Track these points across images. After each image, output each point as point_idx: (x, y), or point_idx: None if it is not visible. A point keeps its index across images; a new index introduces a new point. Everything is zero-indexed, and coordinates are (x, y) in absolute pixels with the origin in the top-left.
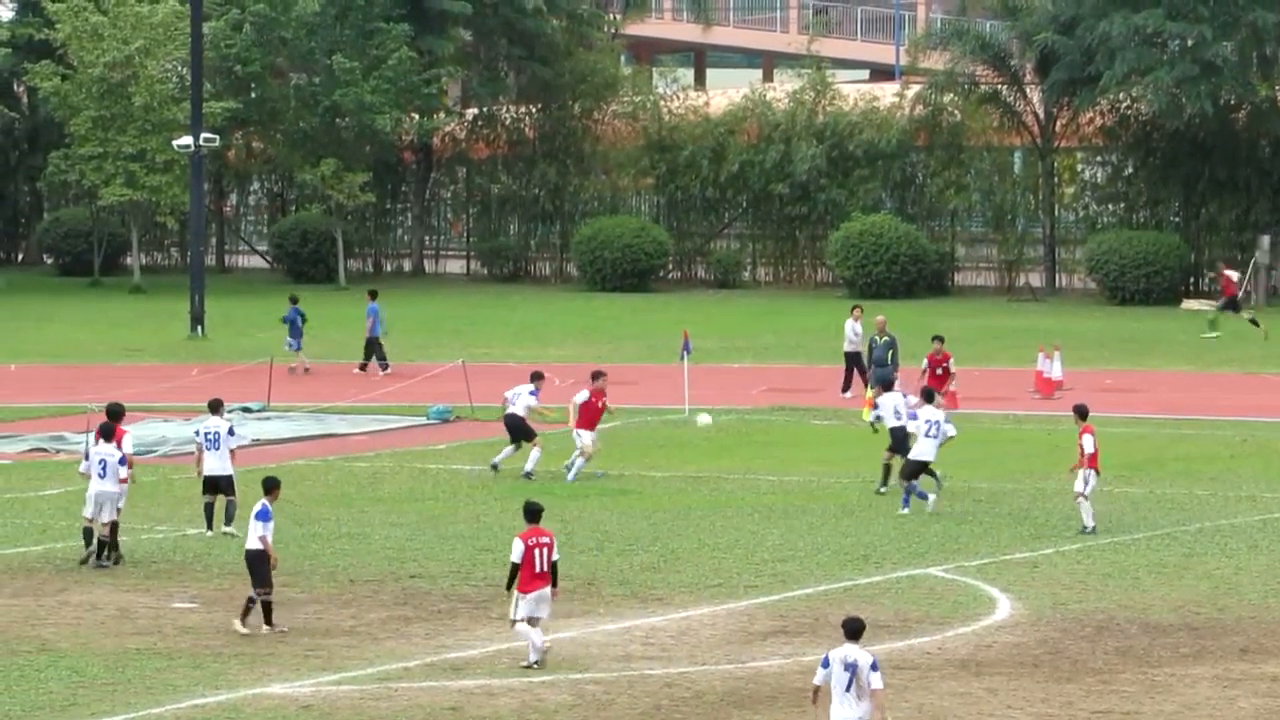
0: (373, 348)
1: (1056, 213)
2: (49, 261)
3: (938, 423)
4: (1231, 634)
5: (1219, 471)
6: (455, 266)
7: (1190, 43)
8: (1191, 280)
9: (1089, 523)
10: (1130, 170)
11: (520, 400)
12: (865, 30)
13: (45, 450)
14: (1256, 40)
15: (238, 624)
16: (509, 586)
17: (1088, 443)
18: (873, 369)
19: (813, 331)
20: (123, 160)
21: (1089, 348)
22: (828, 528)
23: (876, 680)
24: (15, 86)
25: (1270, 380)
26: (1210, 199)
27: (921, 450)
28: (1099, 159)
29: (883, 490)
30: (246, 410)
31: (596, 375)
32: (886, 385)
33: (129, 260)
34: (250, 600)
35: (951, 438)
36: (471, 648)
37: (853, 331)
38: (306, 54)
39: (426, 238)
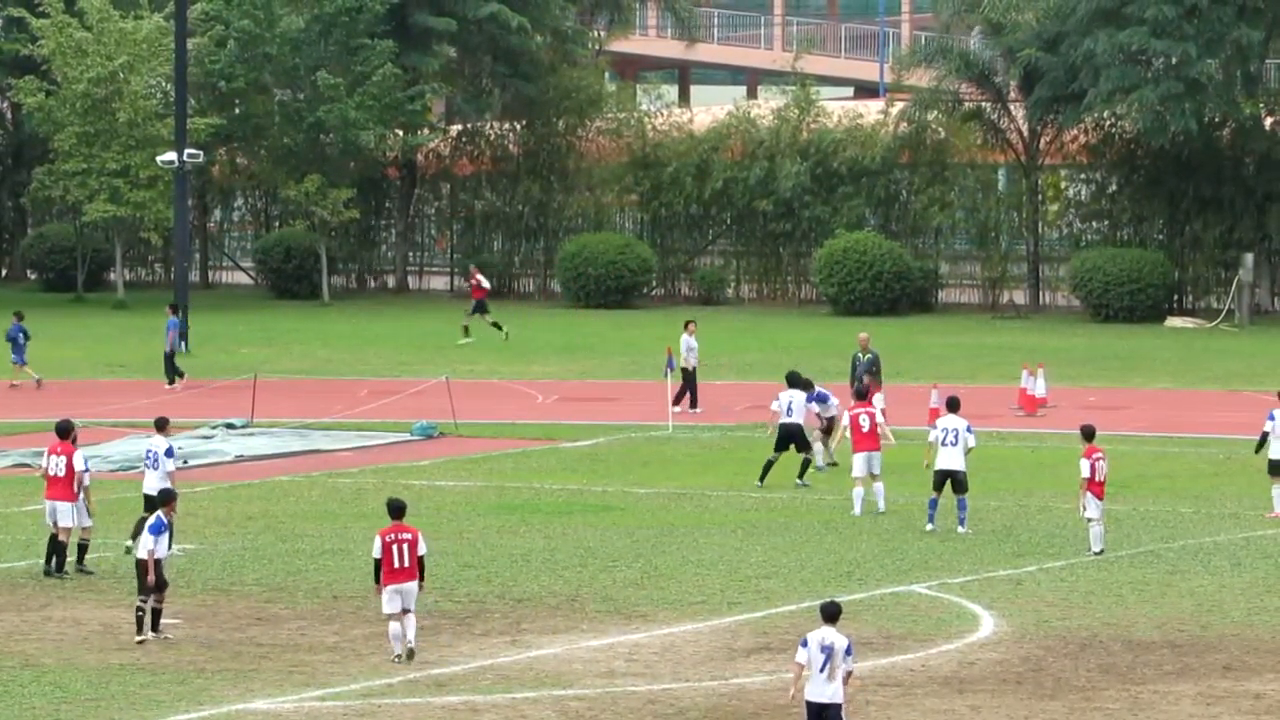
0: (169, 362)
1: (1040, 230)
2: (33, 277)
3: (957, 431)
4: (1214, 651)
5: (1202, 489)
6: (439, 283)
7: (1175, 60)
8: (1176, 298)
9: (1095, 546)
10: (1114, 188)
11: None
12: (849, 47)
13: (29, 466)
14: (1241, 58)
15: (142, 635)
16: (376, 580)
17: (1082, 467)
18: (856, 385)
19: (796, 348)
20: (107, 176)
21: (1073, 365)
22: (811, 544)
23: (849, 664)
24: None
25: (1254, 397)
26: (1194, 217)
27: (946, 459)
28: (1083, 176)
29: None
30: (230, 426)
31: None
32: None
33: (113, 276)
34: (138, 609)
35: (972, 448)
36: (455, 663)
37: (686, 347)
38: (291, 70)
39: (410, 254)
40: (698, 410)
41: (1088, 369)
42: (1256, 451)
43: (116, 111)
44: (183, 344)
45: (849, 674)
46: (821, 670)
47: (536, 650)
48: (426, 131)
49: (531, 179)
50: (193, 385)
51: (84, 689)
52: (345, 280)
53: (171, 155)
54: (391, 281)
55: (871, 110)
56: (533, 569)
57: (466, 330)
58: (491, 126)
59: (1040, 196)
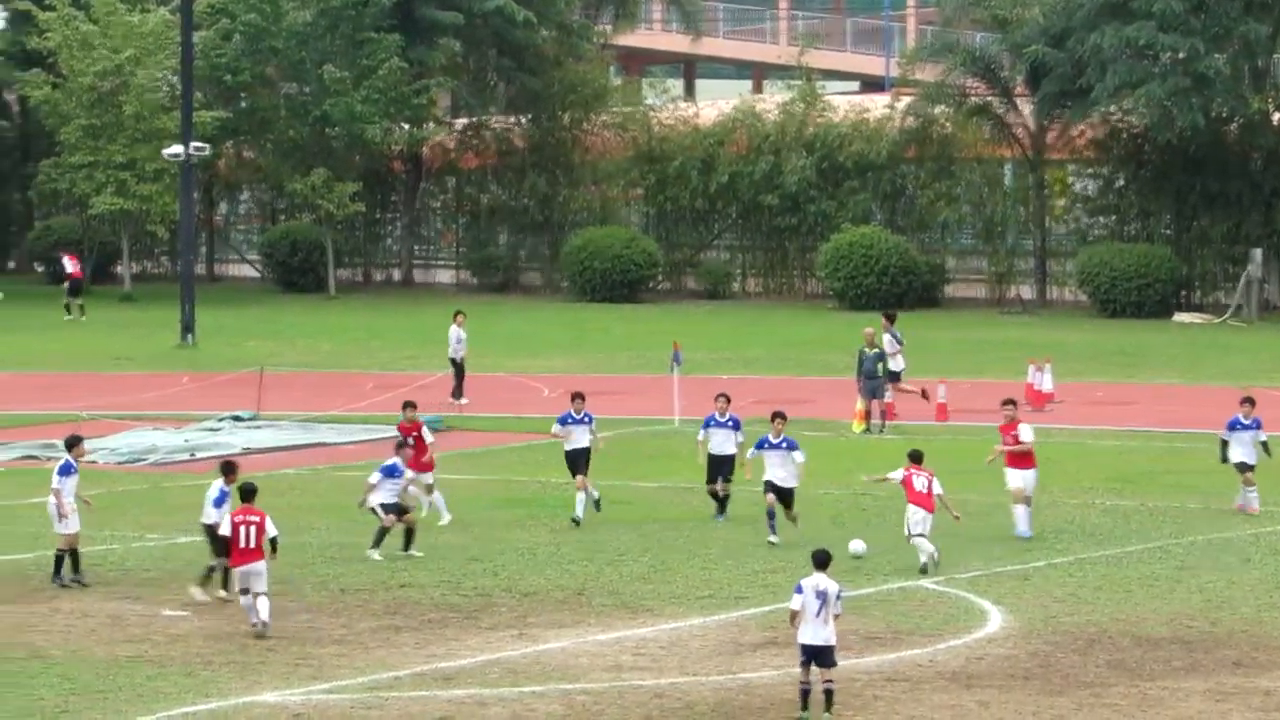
0: None
1: (1047, 225)
2: (39, 270)
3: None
4: (1224, 648)
5: (1211, 485)
6: (445, 276)
7: (1182, 55)
8: (1183, 293)
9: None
10: (1121, 183)
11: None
12: (855, 42)
13: (36, 458)
14: (1248, 53)
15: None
16: (216, 555)
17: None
18: (863, 381)
19: (802, 343)
20: (113, 169)
21: (1080, 360)
22: (819, 539)
23: (839, 607)
24: (5, 95)
25: (1263, 393)
26: (1202, 212)
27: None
28: (1090, 171)
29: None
30: (237, 419)
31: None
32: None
33: (119, 269)
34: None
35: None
36: (461, 657)
37: (455, 338)
38: (297, 64)
39: (416, 247)
40: (463, 402)
41: (1095, 364)
42: None
43: (123, 105)
44: (189, 337)
45: (837, 616)
46: (818, 614)
47: (543, 644)
48: (432, 125)
49: (537, 173)
50: (200, 378)
51: (92, 681)
52: (351, 273)
53: (178, 148)
54: (397, 275)
55: (877, 105)
56: (539, 563)
57: (81, 309)
58: (497, 120)
59: (1047, 191)
